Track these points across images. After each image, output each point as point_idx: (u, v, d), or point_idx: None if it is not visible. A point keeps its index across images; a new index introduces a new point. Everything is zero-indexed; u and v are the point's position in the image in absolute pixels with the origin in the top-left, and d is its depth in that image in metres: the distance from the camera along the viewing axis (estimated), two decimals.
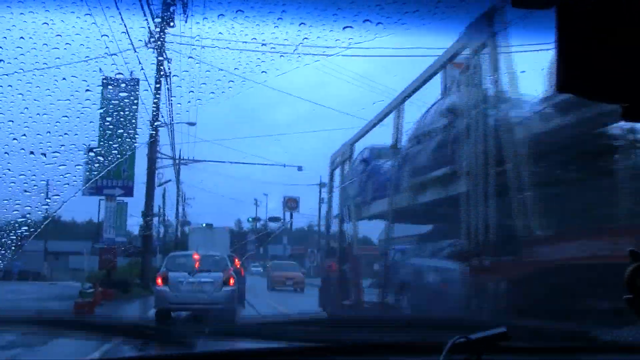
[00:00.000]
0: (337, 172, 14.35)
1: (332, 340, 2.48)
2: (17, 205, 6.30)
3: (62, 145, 7.03)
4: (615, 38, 1.11)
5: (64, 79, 7.52)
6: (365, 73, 75.90)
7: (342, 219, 13.96)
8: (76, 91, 7.85)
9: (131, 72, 20.43)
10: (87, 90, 10.65)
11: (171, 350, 2.34)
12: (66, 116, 7.37)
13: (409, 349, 2.26)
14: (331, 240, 15.51)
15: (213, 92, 9.39)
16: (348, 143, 13.57)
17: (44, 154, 6.63)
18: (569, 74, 1.12)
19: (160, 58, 19.84)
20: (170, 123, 21.59)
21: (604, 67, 1.12)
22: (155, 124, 21.14)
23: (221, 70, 10.58)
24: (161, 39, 21.30)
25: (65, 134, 7.23)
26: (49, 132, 6.93)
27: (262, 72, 9.25)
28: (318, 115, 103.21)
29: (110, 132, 19.08)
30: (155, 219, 38.07)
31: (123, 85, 21.12)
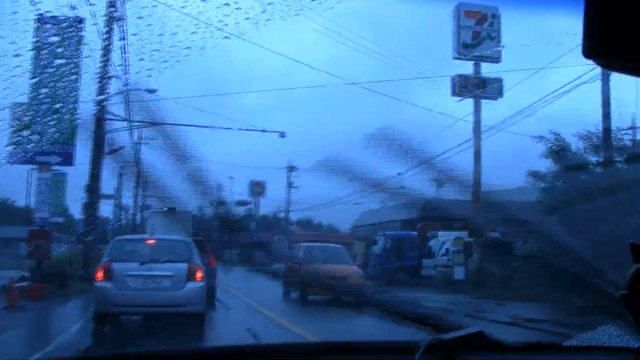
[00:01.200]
0: None
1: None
2: None
3: None
4: None
5: None
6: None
7: None
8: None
9: (72, 7, 16.10)
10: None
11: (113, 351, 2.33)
12: None
13: (383, 349, 2.19)
14: None
15: (203, 47, 8.96)
16: None
17: None
18: (595, 41, 1.06)
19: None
20: (126, 76, 17.56)
21: (634, 36, 1.03)
22: (104, 75, 17.08)
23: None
24: None
25: None
26: None
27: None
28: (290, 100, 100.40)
29: (44, 82, 14.83)
30: (110, 202, 33.91)
31: (63, 25, 16.93)
